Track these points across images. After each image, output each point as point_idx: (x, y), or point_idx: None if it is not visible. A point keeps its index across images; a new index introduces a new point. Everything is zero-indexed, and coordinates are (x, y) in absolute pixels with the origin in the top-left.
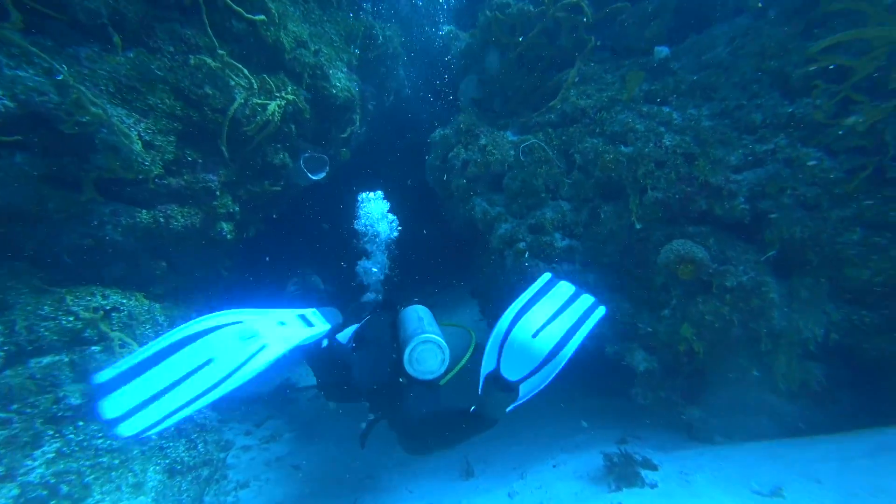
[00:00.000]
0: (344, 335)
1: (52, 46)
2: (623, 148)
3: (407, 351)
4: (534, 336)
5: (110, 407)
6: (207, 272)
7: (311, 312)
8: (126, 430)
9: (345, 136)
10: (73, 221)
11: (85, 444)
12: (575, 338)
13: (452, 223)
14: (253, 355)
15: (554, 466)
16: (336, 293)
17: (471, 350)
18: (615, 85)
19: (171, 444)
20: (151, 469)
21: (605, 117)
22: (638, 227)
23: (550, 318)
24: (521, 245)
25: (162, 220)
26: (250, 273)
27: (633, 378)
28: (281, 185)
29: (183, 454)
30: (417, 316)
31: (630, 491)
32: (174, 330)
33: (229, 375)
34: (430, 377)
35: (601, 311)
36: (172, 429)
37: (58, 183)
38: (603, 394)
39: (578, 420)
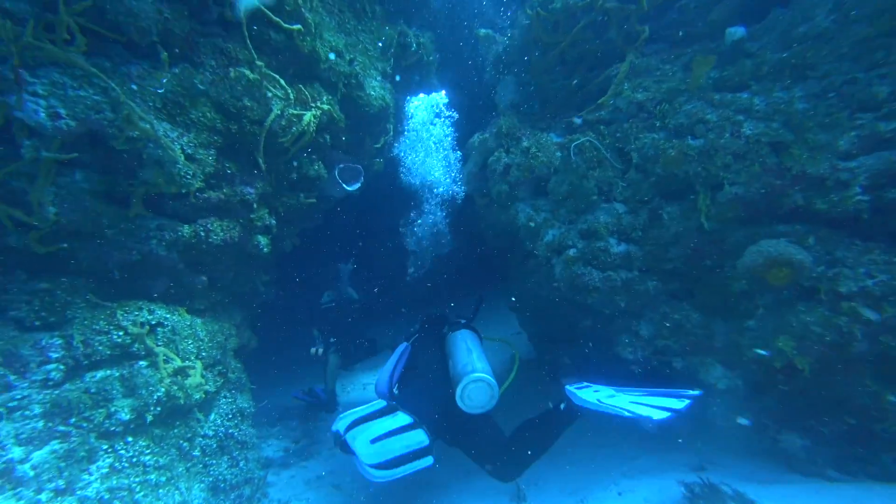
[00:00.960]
0: (395, 357)
1: (109, 67)
2: (691, 141)
3: (459, 390)
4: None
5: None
6: (245, 287)
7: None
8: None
9: (378, 146)
10: (123, 237)
11: (134, 460)
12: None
13: (489, 233)
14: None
15: (619, 494)
16: (369, 304)
17: (515, 368)
18: (676, 75)
19: (214, 461)
20: (196, 487)
21: (667, 110)
22: (707, 227)
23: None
24: (572, 252)
25: (202, 233)
26: (285, 288)
27: (706, 396)
28: (315, 196)
29: (225, 472)
30: (467, 347)
31: None
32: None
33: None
34: (480, 412)
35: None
36: (214, 445)
37: (110, 199)
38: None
39: (637, 439)
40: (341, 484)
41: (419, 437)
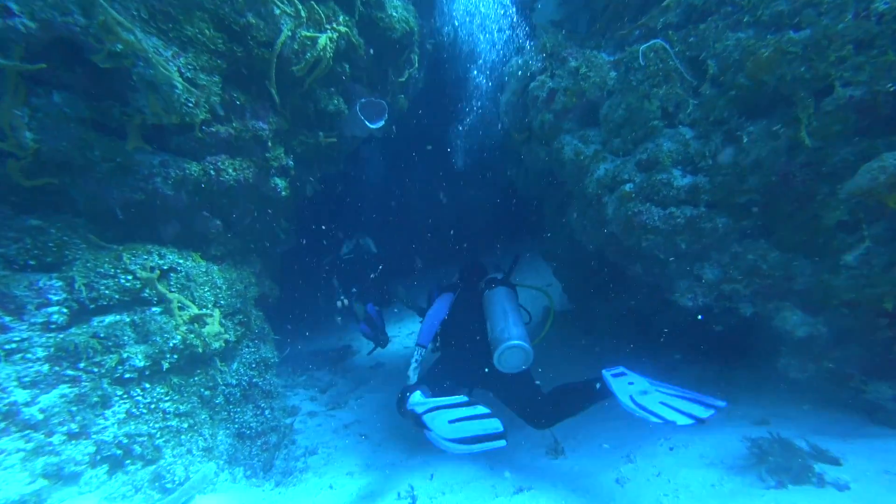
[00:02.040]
0: (436, 310)
1: None
2: (793, 34)
3: (496, 355)
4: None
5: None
6: (265, 234)
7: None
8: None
9: (403, 79)
10: (121, 173)
11: (153, 406)
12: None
13: (526, 178)
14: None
15: (671, 449)
16: (387, 257)
17: (549, 322)
18: None
19: (239, 409)
20: (221, 433)
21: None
22: (809, 144)
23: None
24: (628, 187)
25: (213, 172)
26: (306, 235)
27: (773, 344)
28: (336, 136)
29: (251, 420)
30: (503, 309)
31: (802, 490)
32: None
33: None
34: (516, 371)
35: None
36: (238, 395)
37: (102, 129)
38: (714, 361)
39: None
40: (369, 433)
41: (494, 425)
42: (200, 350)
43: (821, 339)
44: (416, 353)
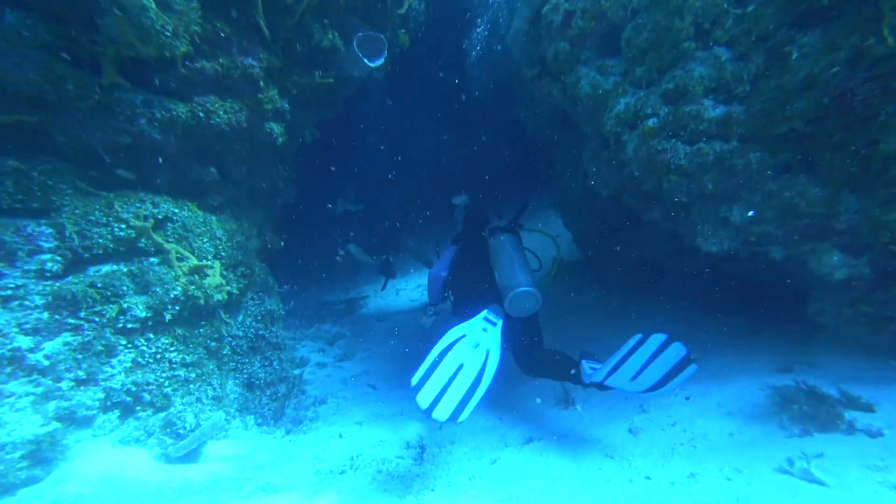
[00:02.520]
0: (443, 262)
1: None
2: None
3: (506, 302)
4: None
5: (422, 401)
6: (264, 183)
7: (486, 314)
8: (438, 415)
9: (402, 10)
10: (102, 112)
11: (159, 356)
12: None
13: (536, 119)
14: (486, 358)
15: (686, 399)
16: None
17: (556, 266)
18: None
19: (247, 360)
20: (231, 383)
21: None
22: (892, 42)
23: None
24: (651, 122)
25: (202, 114)
26: (307, 187)
27: (803, 290)
28: (333, 76)
29: (259, 371)
30: (508, 256)
31: (829, 437)
32: (437, 345)
33: (479, 374)
34: (526, 315)
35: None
36: (245, 346)
37: (73, 61)
38: (733, 311)
39: (699, 343)
40: (377, 385)
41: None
42: (202, 302)
43: (861, 282)
44: (427, 309)
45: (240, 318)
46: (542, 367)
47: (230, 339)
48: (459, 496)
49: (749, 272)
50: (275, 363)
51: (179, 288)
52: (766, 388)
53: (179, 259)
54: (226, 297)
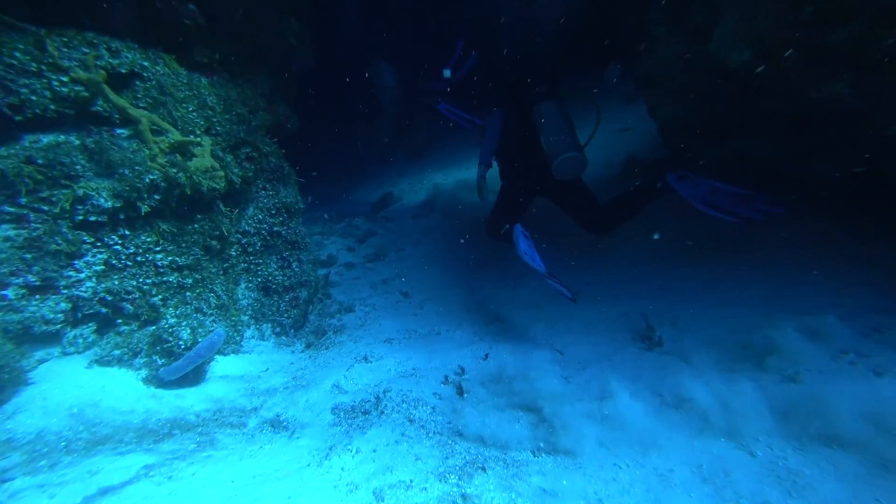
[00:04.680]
0: (492, 129)
1: None
2: None
3: (554, 167)
4: None
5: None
6: (270, 38)
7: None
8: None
9: None
10: None
11: (139, 258)
12: None
13: None
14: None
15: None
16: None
17: (596, 125)
18: None
19: (261, 261)
20: (243, 286)
21: None
22: None
23: None
24: None
25: None
26: (322, 50)
27: None
28: None
29: (276, 272)
30: (554, 121)
31: None
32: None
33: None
34: (573, 178)
35: None
36: (259, 245)
37: None
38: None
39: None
40: (410, 292)
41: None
42: (189, 191)
43: None
44: (479, 170)
45: (249, 212)
46: (612, 214)
47: (240, 235)
48: (519, 483)
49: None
50: (294, 265)
51: (157, 172)
52: None
53: (156, 132)
54: (224, 185)
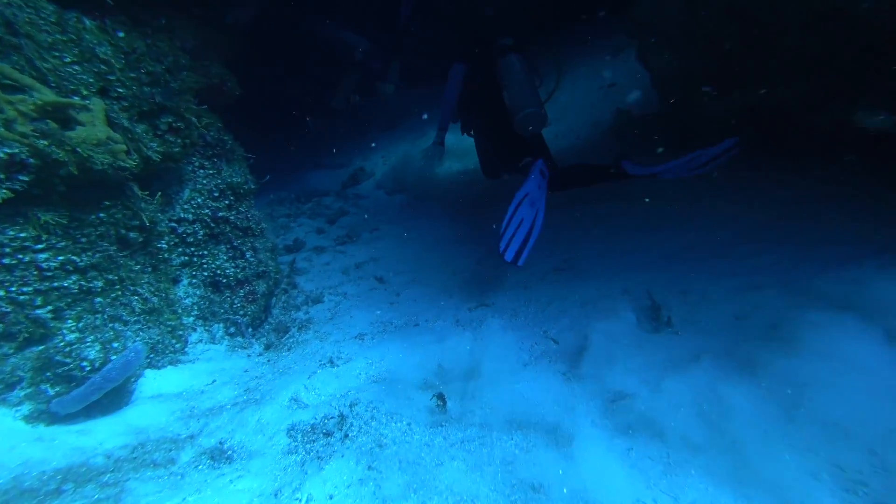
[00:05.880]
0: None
1: None
2: None
3: (515, 121)
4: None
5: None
6: None
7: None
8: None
9: None
10: None
11: (7, 260)
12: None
13: None
14: (536, 214)
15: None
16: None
17: (558, 78)
18: None
19: (206, 252)
20: (186, 282)
21: None
22: None
23: None
24: None
25: None
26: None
27: None
28: None
29: (226, 264)
30: (518, 78)
31: None
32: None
33: (533, 227)
34: (535, 133)
35: None
36: (202, 234)
37: None
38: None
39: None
40: (385, 277)
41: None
42: (74, 169)
43: None
44: (437, 136)
45: (185, 195)
46: (566, 176)
47: (174, 224)
48: None
49: None
50: (248, 254)
51: (18, 144)
52: None
53: (9, 89)
54: (137, 162)
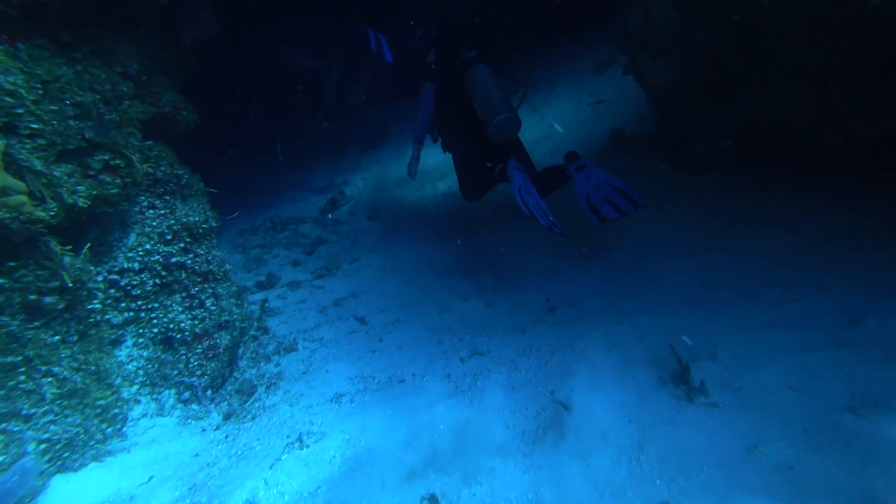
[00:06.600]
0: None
1: None
2: None
3: (490, 131)
4: None
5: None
6: None
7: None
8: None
9: None
10: None
11: None
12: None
13: None
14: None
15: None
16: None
17: (528, 81)
18: None
19: (157, 304)
20: (130, 343)
21: None
22: None
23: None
24: None
25: None
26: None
27: None
28: None
29: (181, 316)
30: (485, 87)
31: None
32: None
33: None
34: (511, 138)
35: None
36: (150, 284)
37: None
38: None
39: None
40: (367, 317)
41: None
42: None
43: None
44: (412, 150)
45: (130, 241)
46: (546, 183)
47: (116, 276)
48: None
49: None
50: (208, 302)
51: None
52: None
53: None
54: (56, 212)
